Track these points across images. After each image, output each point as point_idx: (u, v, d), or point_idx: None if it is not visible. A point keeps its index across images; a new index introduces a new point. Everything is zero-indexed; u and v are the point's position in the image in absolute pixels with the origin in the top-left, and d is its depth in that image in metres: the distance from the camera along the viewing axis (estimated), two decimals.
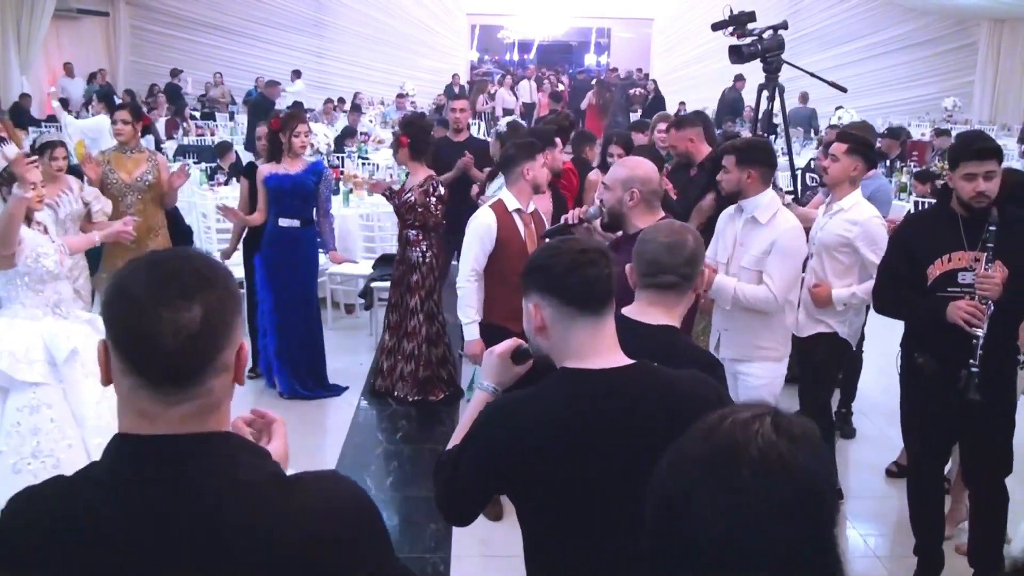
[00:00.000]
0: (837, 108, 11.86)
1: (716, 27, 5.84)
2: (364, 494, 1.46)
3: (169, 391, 1.32)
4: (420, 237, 6.21)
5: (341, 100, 17.60)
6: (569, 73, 25.74)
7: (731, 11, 5.72)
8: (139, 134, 6.43)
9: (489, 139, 8.61)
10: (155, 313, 1.29)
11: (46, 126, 13.45)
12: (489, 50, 31.40)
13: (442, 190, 6.15)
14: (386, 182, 6.51)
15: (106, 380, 1.38)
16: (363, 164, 11.96)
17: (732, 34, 5.72)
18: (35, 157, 4.44)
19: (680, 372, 2.16)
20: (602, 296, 2.09)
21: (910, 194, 10.07)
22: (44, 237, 4.39)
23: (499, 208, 4.76)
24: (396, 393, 6.32)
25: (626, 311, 2.62)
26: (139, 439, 1.35)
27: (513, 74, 23.55)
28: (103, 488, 1.35)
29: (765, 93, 5.74)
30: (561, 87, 18.53)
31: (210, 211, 8.24)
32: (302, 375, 6.37)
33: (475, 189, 6.64)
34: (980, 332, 3.63)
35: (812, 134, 15.44)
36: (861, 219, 4.43)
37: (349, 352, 7.13)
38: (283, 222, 6.16)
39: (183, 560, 1.30)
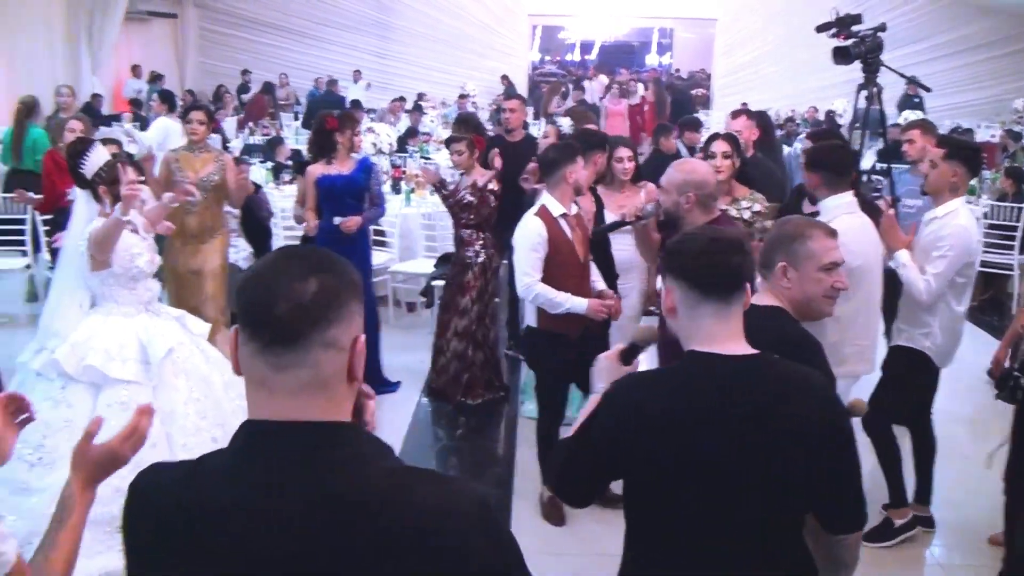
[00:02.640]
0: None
1: (821, 29, 5.95)
2: (484, 501, 1.45)
3: (278, 352, 1.41)
4: (474, 237, 6.24)
5: (402, 99, 17.77)
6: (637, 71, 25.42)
7: (837, 13, 5.82)
8: (208, 134, 6.65)
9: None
10: (274, 283, 1.42)
11: (115, 124, 13.79)
12: (550, 50, 31.38)
13: (494, 185, 6.18)
14: (439, 174, 6.48)
15: (236, 368, 1.47)
16: (425, 163, 12.05)
17: (835, 35, 5.81)
18: (140, 179, 4.55)
19: (799, 368, 2.22)
20: (729, 285, 2.17)
21: (979, 197, 9.87)
22: (136, 237, 4.48)
23: (545, 214, 4.71)
24: (447, 392, 6.35)
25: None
26: (261, 425, 1.43)
27: (577, 75, 23.49)
28: (222, 475, 1.43)
29: (863, 93, 5.81)
30: (643, 93, 17.63)
31: (276, 209, 8.36)
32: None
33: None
34: None
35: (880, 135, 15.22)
36: (947, 227, 4.27)
37: (410, 350, 7.16)
38: (338, 220, 6.20)
39: (293, 545, 1.36)
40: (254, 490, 1.39)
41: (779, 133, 11.55)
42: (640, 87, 18.06)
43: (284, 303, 1.40)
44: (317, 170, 6.25)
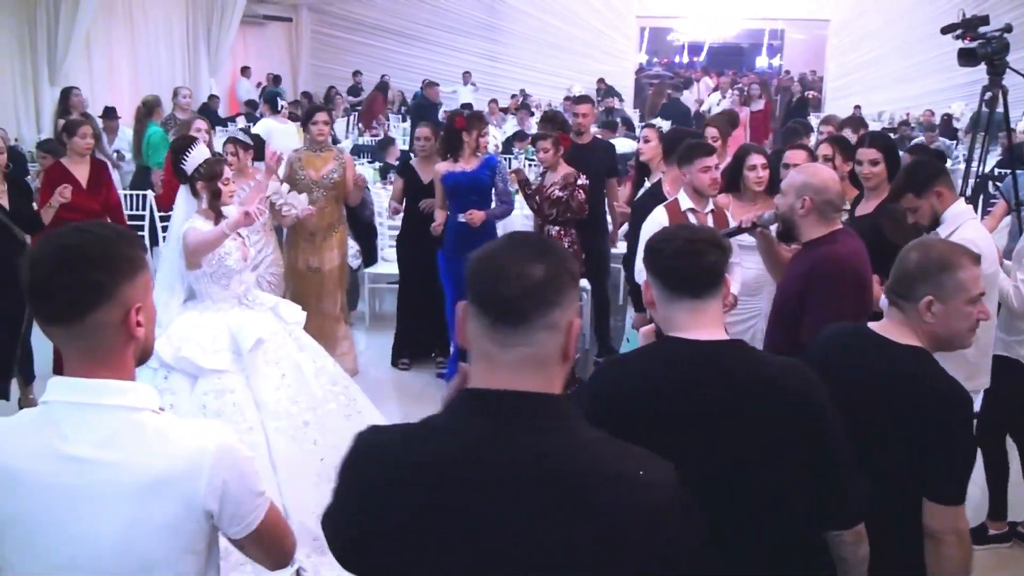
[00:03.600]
0: None
1: (946, 31, 5.82)
2: (672, 477, 1.57)
3: (505, 331, 1.52)
4: (562, 233, 6.27)
5: (512, 96, 17.75)
6: (744, 74, 24.95)
7: (963, 14, 5.68)
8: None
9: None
10: (505, 264, 1.53)
11: (231, 125, 14.20)
12: (658, 52, 31.11)
13: (584, 179, 6.22)
14: (524, 172, 6.53)
15: (461, 339, 1.60)
16: (530, 165, 12.09)
17: (959, 37, 5.68)
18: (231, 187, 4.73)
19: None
20: (704, 284, 2.21)
21: None
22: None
23: (673, 207, 4.82)
24: None
25: (872, 325, 2.66)
26: (480, 392, 1.55)
27: (683, 76, 23.22)
28: (439, 433, 1.57)
29: (987, 96, 5.65)
30: (761, 100, 16.58)
31: (383, 208, 8.50)
32: None
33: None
34: None
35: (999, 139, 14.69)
36: None
37: None
38: (462, 217, 6.27)
39: (494, 498, 1.47)
40: (466, 447, 1.52)
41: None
42: (757, 89, 17.26)
43: (514, 285, 1.50)
44: (443, 168, 6.39)
